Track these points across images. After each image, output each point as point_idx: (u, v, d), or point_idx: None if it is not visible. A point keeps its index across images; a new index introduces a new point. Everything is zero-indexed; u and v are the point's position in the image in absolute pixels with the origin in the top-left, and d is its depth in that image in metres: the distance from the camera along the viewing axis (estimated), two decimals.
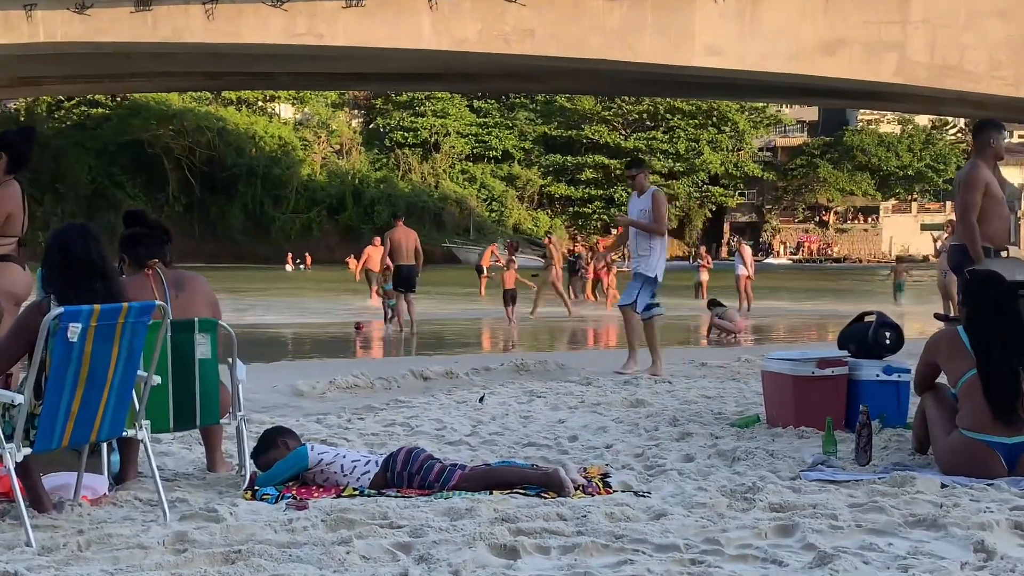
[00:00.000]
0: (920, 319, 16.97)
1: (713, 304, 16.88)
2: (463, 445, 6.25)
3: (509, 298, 19.56)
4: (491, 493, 4.79)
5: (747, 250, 24.99)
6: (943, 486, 4.92)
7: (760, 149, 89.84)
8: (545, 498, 4.73)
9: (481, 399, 8.22)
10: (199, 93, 70.56)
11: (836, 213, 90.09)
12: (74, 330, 4.01)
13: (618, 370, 10.14)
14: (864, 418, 5.53)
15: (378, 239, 21.78)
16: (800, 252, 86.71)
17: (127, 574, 3.58)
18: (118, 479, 5.04)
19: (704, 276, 27.91)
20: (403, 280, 16.82)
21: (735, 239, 43.32)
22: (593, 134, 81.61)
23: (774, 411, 6.80)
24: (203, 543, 3.96)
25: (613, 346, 15.44)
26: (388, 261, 17.16)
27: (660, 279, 10.26)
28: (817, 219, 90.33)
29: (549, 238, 26.20)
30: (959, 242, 7.77)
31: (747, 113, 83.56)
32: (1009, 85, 32.77)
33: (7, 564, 3.63)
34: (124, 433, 4.45)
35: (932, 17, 33.28)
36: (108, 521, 4.31)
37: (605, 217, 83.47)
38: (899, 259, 34.53)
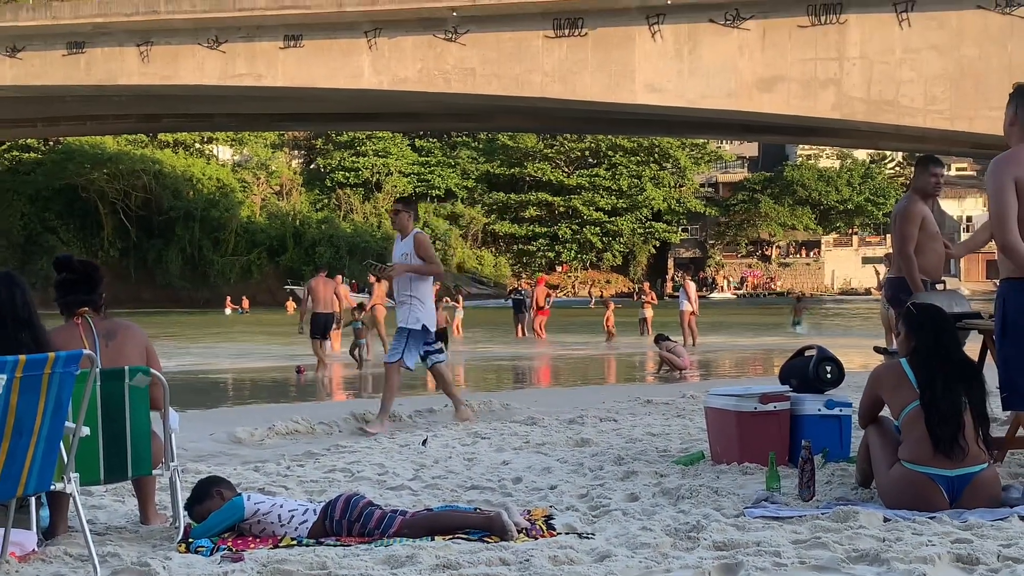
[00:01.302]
0: (861, 352, 17.17)
1: (661, 338, 16.99)
2: (405, 490, 6.20)
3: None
4: (433, 539, 4.75)
5: (691, 286, 25.31)
6: (886, 520, 4.95)
7: (702, 185, 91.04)
8: (488, 543, 4.69)
9: (424, 442, 8.16)
10: (135, 136, 70.09)
11: (778, 247, 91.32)
12: None
13: (367, 428, 9.13)
14: (807, 453, 5.55)
15: (339, 276, 22.18)
16: (744, 286, 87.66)
17: None
18: (47, 534, 4.93)
19: (648, 312, 28.20)
20: (320, 327, 18.20)
21: (679, 275, 43.82)
22: (536, 172, 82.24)
23: (718, 448, 6.81)
24: None
25: (561, 384, 15.44)
26: (352, 302, 18.08)
27: (431, 327, 9.58)
28: (760, 253, 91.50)
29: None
30: (896, 275, 7.90)
31: (688, 149, 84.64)
32: (945, 119, 33.45)
33: None
34: (53, 486, 4.36)
35: (868, 53, 33.94)
36: None
37: (550, 255, 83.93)
38: (799, 298, 35.99)
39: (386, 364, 9.71)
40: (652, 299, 29.33)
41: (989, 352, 6.18)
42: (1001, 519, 4.92)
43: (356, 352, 18.58)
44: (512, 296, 30.23)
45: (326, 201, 79.56)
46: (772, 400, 6.64)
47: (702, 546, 4.55)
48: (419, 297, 9.48)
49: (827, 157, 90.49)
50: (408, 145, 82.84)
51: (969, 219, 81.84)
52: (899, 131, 35.80)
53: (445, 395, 10.11)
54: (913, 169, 8.54)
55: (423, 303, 9.55)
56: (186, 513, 5.13)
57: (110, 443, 4.92)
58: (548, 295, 29.22)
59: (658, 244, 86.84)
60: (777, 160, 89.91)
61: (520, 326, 28.75)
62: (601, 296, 63.12)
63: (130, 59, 41.00)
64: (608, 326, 26.54)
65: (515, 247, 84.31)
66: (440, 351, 9.97)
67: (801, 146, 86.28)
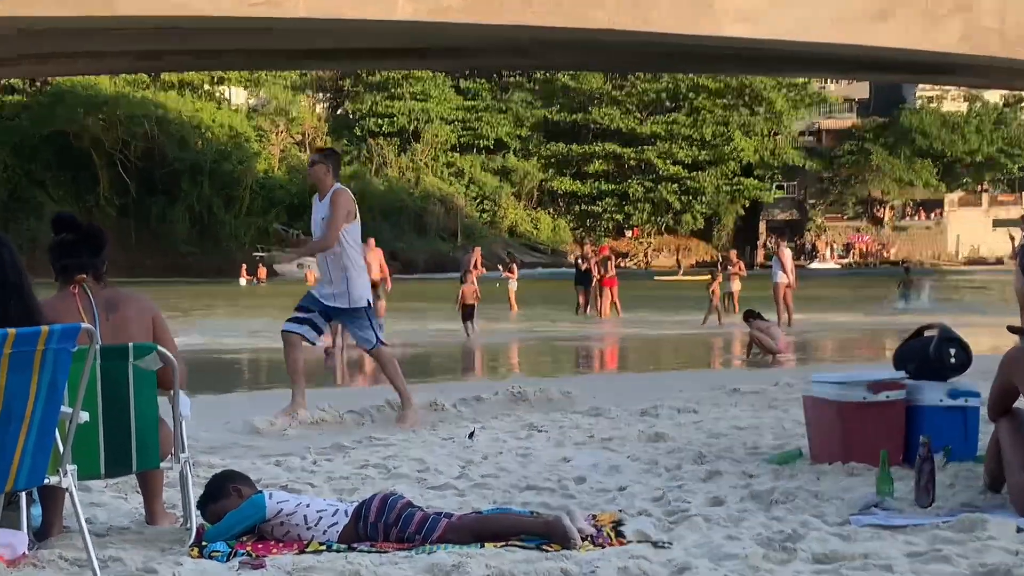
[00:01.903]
0: (992, 332, 16.97)
1: (751, 315, 16.85)
2: (449, 489, 6.25)
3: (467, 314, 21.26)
4: (483, 546, 4.79)
5: (787, 253, 25.01)
6: (1019, 530, 4.92)
7: (801, 133, 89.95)
8: (547, 551, 4.71)
9: (471, 435, 8.19)
10: (134, 76, 70.63)
11: (892, 208, 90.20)
12: None
13: (403, 425, 9.01)
14: (925, 451, 5.52)
15: (372, 240, 22.27)
16: (850, 255, 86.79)
17: None
18: (40, 535, 5.01)
19: (736, 285, 27.99)
20: None
21: (773, 240, 43.43)
22: (602, 118, 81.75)
23: (819, 444, 6.79)
24: None
25: (631, 370, 15.45)
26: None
27: (371, 301, 9.52)
28: (870, 215, 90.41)
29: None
30: None
31: (785, 91, 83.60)
32: None
33: None
34: (46, 481, 4.43)
35: None
36: None
37: (618, 217, 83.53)
38: (907, 268, 35.52)
39: (370, 352, 9.60)
40: (740, 270, 29.13)
41: None
42: None
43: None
44: (577, 263, 30.19)
45: (356, 153, 79.81)
46: (884, 388, 6.59)
47: (799, 559, 4.54)
48: (356, 267, 9.33)
49: (952, 100, 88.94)
50: (451, 87, 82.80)
51: None
52: None
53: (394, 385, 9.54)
54: None
55: (361, 272, 9.39)
56: (199, 512, 5.19)
57: (112, 431, 5.00)
58: (608, 259, 28.95)
59: (747, 204, 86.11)
60: (892, 103, 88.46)
61: (584, 300, 28.66)
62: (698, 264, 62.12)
63: None
64: (715, 299, 25.91)
65: (577, 208, 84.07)
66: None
67: (921, 86, 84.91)
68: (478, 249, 26.50)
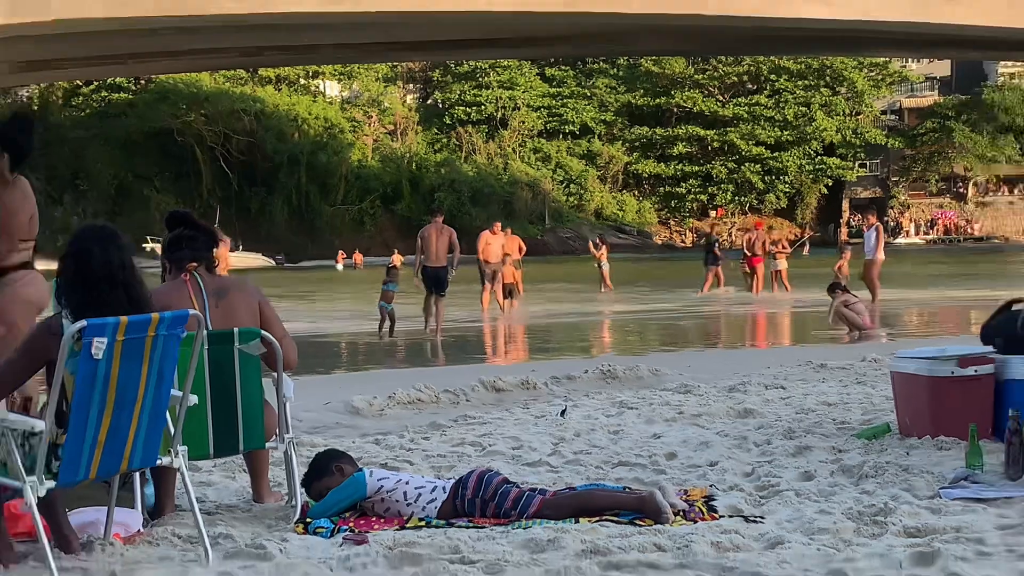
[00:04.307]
0: None
1: (836, 288, 16.53)
2: (543, 466, 6.25)
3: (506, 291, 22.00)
4: (577, 521, 4.79)
5: (880, 229, 24.33)
6: None
7: (883, 112, 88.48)
8: (640, 526, 4.71)
9: (563, 412, 8.20)
10: (233, 72, 71.49)
11: (976, 184, 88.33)
12: (99, 346, 4.06)
13: None
14: (1015, 424, 5.44)
15: (498, 224, 22.93)
16: (934, 231, 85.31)
17: None
18: (153, 514, 5.10)
19: (782, 264, 27.44)
20: (433, 281, 17.82)
21: (857, 218, 42.67)
22: (685, 101, 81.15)
23: (908, 419, 6.70)
24: None
25: (720, 346, 15.35)
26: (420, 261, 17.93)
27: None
28: (954, 191, 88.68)
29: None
30: None
31: (866, 71, 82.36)
32: None
33: None
34: (158, 462, 4.50)
35: None
36: (143, 562, 4.36)
37: (703, 197, 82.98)
38: None
39: None
40: (783, 248, 28.50)
41: None
42: None
43: (384, 322, 17.94)
44: (706, 243, 29.95)
45: (445, 141, 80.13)
46: (973, 363, 6.49)
47: (891, 532, 4.49)
48: None
49: None
50: (537, 74, 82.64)
51: None
52: None
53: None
54: None
55: None
56: (303, 490, 5.25)
57: (220, 413, 5.07)
58: (766, 242, 28.39)
59: (830, 183, 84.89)
60: (974, 80, 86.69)
61: (714, 277, 27.87)
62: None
63: None
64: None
65: (661, 189, 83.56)
66: None
67: (1004, 63, 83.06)
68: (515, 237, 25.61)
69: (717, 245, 29.06)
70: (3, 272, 5.85)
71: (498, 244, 22.03)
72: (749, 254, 27.24)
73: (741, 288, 27.14)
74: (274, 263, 60.25)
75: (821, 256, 39.76)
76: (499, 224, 23.47)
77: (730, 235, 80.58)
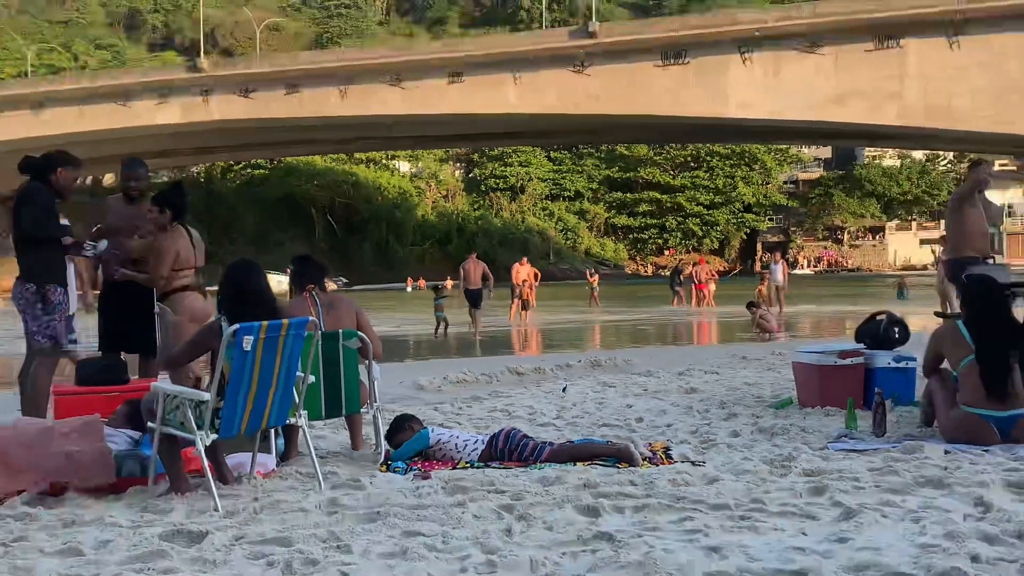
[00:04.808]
0: (921, 317, 16.46)
1: (754, 305, 16.44)
2: (551, 426, 6.24)
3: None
4: (575, 464, 4.78)
5: (783, 266, 24.22)
6: (947, 452, 4.77)
7: (785, 182, 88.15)
8: (619, 468, 4.70)
9: (564, 389, 8.17)
10: (336, 155, 71.85)
11: (849, 232, 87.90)
12: (247, 342, 4.10)
13: None
14: (879, 398, 5.41)
15: (525, 259, 23.13)
16: (820, 264, 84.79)
17: (293, 531, 3.63)
18: (283, 457, 5.12)
19: (712, 286, 27.58)
20: (472, 299, 18.18)
21: (768, 255, 42.47)
22: (647, 175, 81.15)
23: (805, 395, 6.67)
24: (351, 506, 4.02)
25: (670, 344, 15.28)
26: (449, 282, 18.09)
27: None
28: (834, 237, 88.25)
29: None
30: (950, 256, 7.62)
31: (773, 153, 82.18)
32: (990, 123, 31.91)
33: (201, 525, 3.72)
34: (287, 421, 4.52)
35: (925, 71, 32.58)
36: (276, 490, 4.38)
37: (659, 241, 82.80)
38: (902, 282, 34.04)
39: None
40: (711, 275, 28.51)
41: None
42: None
43: (439, 326, 17.45)
44: (673, 272, 29.68)
45: (481, 202, 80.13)
46: (850, 356, 6.47)
47: (794, 473, 4.47)
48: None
49: (890, 157, 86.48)
50: (545, 156, 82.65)
51: (1010, 206, 77.43)
52: (951, 134, 34.18)
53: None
54: (967, 167, 8.28)
55: None
56: (386, 442, 5.25)
57: (329, 389, 5.08)
58: (708, 272, 28.54)
59: (749, 231, 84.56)
60: (848, 160, 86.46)
61: (676, 298, 27.76)
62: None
63: (332, 96, 42.06)
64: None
65: (630, 236, 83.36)
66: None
67: (868, 148, 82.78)
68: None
69: (681, 274, 28.80)
70: (172, 293, 5.90)
71: (524, 271, 22.34)
72: (696, 281, 27.27)
73: (690, 305, 27.08)
74: (337, 286, 59.64)
75: (743, 283, 39.57)
76: (525, 259, 23.81)
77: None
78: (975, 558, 3.05)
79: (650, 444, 5.34)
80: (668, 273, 29.87)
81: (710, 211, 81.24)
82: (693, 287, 27.26)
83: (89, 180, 62.37)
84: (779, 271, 23.52)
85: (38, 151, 5.98)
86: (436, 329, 17.66)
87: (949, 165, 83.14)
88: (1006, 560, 3.05)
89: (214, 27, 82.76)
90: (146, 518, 3.89)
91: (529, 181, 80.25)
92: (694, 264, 30.52)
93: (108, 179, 60.80)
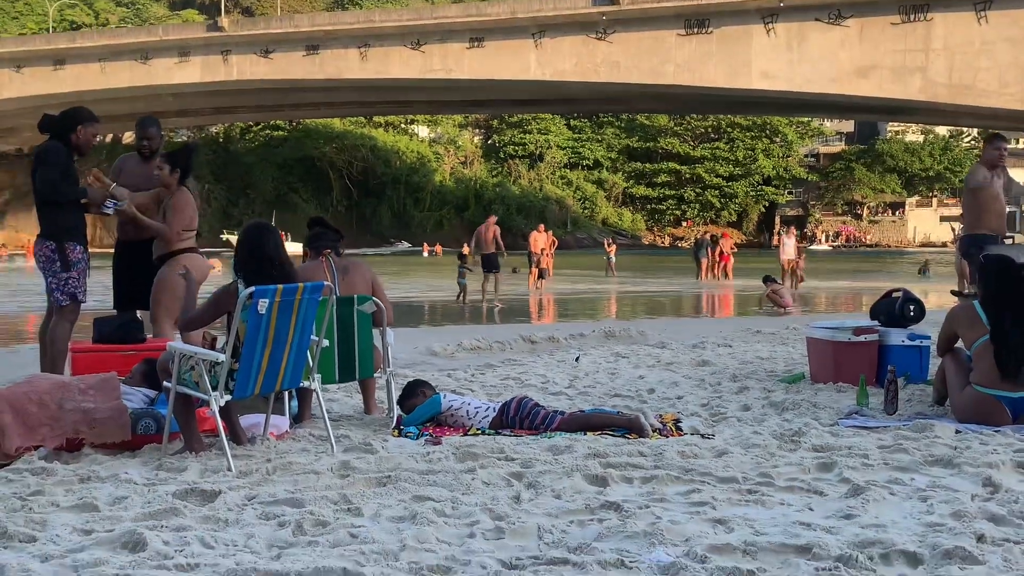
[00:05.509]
0: (938, 295, 16.37)
1: (768, 279, 16.34)
2: (563, 396, 6.25)
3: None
4: (585, 434, 4.80)
5: (789, 239, 23.89)
6: (957, 432, 4.76)
7: (805, 156, 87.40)
8: (629, 439, 4.71)
9: (577, 359, 8.17)
10: (355, 118, 71.64)
11: (869, 208, 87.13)
12: (263, 304, 4.11)
13: None
14: (891, 376, 5.39)
15: (542, 226, 23.07)
16: (838, 240, 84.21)
17: (304, 493, 3.67)
18: (296, 419, 5.16)
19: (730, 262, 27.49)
20: (489, 264, 17.77)
21: (782, 228, 42.23)
22: (667, 145, 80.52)
23: (817, 370, 6.65)
24: (362, 470, 4.05)
25: (685, 316, 15.27)
26: (467, 247, 17.98)
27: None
28: (853, 212, 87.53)
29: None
30: (968, 232, 7.55)
31: (794, 126, 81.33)
32: (1016, 100, 31.43)
33: (214, 484, 3.77)
34: (301, 384, 4.54)
35: (951, 45, 32.06)
36: (289, 452, 4.42)
37: (676, 213, 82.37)
38: (926, 262, 33.64)
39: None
40: (731, 248, 28.30)
41: None
42: None
43: (461, 293, 17.67)
44: (699, 244, 29.00)
45: (500, 169, 79.84)
46: (864, 332, 6.44)
47: (803, 448, 4.46)
48: None
49: (913, 132, 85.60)
50: (564, 124, 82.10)
51: None
52: (975, 111, 33.69)
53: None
54: (983, 141, 8.14)
55: None
56: (398, 407, 5.28)
57: (343, 352, 5.10)
58: (731, 245, 28.47)
59: (767, 204, 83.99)
60: (870, 135, 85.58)
61: (702, 270, 27.55)
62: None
63: (352, 58, 41.89)
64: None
65: (648, 206, 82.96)
66: None
67: (891, 123, 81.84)
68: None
69: (707, 247, 27.82)
70: (175, 253, 5.89)
71: (542, 239, 22.29)
72: (721, 253, 27.20)
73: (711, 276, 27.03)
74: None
75: (764, 256, 39.35)
76: (543, 226, 23.78)
77: (695, 238, 79.92)
78: (981, 538, 3.06)
79: (660, 416, 5.34)
80: (692, 245, 29.60)
81: (729, 183, 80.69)
82: (713, 258, 27.17)
83: (109, 138, 62.49)
84: (791, 245, 23.31)
85: (57, 108, 5.99)
86: (458, 296, 17.77)
87: (972, 142, 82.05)
88: (1012, 540, 3.06)
89: None
90: (160, 476, 3.95)
91: (548, 149, 79.83)
92: (717, 238, 30.36)
93: (127, 137, 60.87)
